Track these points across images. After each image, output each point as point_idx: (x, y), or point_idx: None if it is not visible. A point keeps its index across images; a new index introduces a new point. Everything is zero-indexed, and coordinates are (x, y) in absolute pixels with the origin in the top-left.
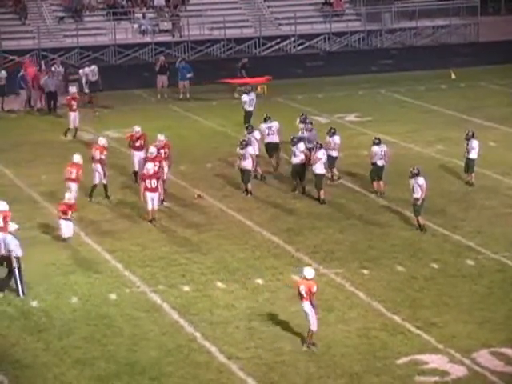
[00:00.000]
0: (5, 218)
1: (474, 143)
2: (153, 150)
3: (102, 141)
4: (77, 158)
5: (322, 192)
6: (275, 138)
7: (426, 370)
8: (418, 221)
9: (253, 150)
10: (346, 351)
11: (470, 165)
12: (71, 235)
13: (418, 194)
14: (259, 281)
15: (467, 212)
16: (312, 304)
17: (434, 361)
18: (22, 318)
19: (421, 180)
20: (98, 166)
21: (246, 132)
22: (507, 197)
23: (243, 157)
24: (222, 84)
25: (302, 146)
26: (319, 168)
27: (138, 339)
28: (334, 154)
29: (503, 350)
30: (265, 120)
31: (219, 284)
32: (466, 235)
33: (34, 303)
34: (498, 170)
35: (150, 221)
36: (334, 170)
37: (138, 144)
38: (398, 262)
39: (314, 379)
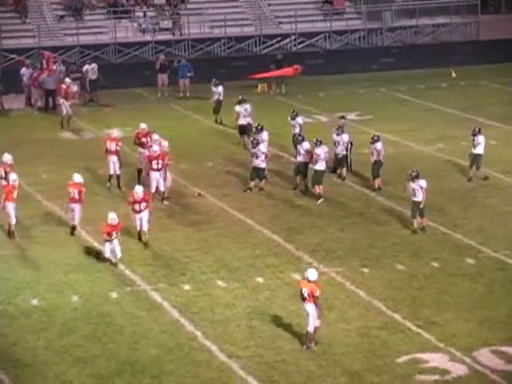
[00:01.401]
0: (80, 193)
1: (480, 138)
2: (156, 148)
3: (116, 133)
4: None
5: (319, 187)
6: (249, 120)
7: (427, 369)
8: (422, 222)
9: (264, 148)
10: (346, 350)
11: (477, 160)
12: (119, 255)
13: (419, 197)
14: (259, 279)
15: (468, 210)
16: (316, 307)
17: (435, 359)
18: (22, 316)
19: (423, 182)
20: (114, 158)
21: (254, 131)
22: (508, 195)
23: (255, 155)
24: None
25: (306, 144)
26: (319, 164)
27: (139, 338)
28: (343, 152)
29: (504, 348)
30: (239, 102)
31: (219, 283)
32: (466, 234)
33: (35, 302)
34: (499, 169)
35: (140, 239)
36: (344, 169)
37: (144, 141)
38: (398, 261)
39: (315, 378)
